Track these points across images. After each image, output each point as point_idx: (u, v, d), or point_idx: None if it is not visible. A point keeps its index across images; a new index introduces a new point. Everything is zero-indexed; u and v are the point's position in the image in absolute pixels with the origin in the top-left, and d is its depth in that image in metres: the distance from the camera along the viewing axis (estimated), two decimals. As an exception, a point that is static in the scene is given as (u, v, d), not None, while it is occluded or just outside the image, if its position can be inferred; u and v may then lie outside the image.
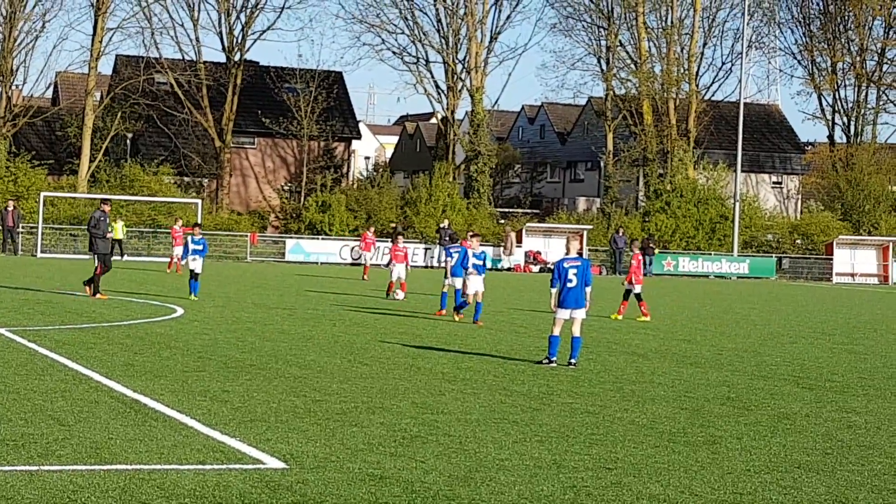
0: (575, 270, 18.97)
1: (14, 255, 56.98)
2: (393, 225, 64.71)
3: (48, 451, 11.01)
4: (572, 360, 19.13)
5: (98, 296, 29.92)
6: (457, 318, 27.82)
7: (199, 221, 32.77)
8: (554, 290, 19.05)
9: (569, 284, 18.95)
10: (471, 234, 29.78)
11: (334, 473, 10.57)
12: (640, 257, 32.69)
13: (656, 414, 14.83)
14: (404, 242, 39.33)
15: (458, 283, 28.60)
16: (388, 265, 39.93)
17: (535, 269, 64.98)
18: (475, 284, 27.53)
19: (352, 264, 61.39)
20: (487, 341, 23.28)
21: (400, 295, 34.36)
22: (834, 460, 12.24)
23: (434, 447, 12.02)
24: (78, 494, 9.47)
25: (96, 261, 30.71)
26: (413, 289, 38.39)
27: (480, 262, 27.87)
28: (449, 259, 29.57)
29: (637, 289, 31.27)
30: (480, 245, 29.31)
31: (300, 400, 14.64)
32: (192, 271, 31.75)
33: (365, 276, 47.12)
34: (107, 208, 31.60)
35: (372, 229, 55.56)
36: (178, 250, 44.56)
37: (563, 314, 18.97)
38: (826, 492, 10.72)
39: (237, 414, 13.47)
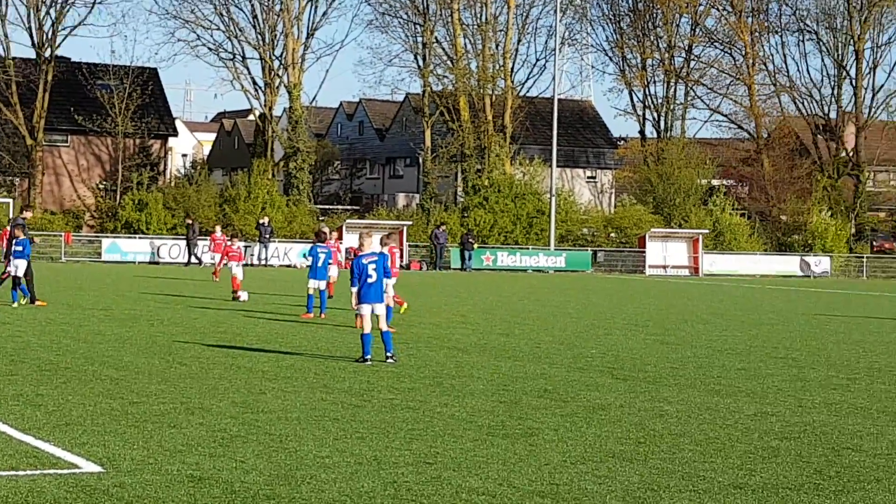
0: (374, 266, 19.13)
1: None
2: (189, 222, 62.98)
3: None
4: (388, 355, 19.21)
5: (38, 302, 29.63)
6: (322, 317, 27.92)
7: (21, 221, 30.93)
8: (354, 289, 19.18)
9: (369, 280, 19.07)
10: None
11: (152, 476, 10.47)
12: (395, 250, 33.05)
13: (475, 408, 15.02)
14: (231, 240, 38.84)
15: (323, 284, 28.36)
16: (222, 264, 39.16)
17: (356, 265, 64.92)
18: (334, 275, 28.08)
19: (168, 263, 60.65)
20: (308, 339, 23.25)
21: (244, 296, 33.78)
22: (646, 449, 12.57)
23: (254, 446, 11.98)
24: None
25: (8, 266, 29.81)
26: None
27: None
28: (310, 259, 28.65)
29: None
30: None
31: (117, 402, 14.43)
32: (14, 277, 29.19)
33: (216, 277, 44.46)
34: (27, 215, 32.16)
35: (219, 228, 52.39)
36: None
37: (366, 310, 19.08)
38: (639, 480, 11.01)
39: (52, 418, 13.21)
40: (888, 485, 10.98)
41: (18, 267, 29.21)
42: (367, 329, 19.12)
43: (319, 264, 28.36)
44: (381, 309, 19.18)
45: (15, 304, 28.76)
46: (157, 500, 9.66)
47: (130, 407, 14.13)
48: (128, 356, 19.41)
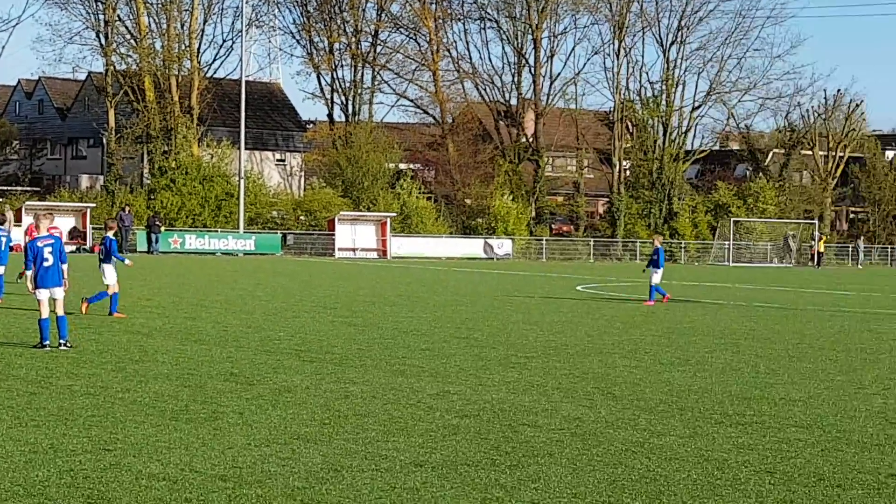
0: (50, 249, 18.72)
1: None
2: None
3: None
4: (62, 341, 18.73)
5: None
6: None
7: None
8: (29, 273, 18.70)
9: (45, 263, 18.64)
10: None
11: None
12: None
13: (159, 392, 14.84)
14: None
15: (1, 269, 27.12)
16: None
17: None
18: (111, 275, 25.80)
19: None
20: (-17, 325, 22.43)
21: None
22: (331, 430, 12.71)
23: (-76, 438, 11.51)
24: None
25: None
26: None
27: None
28: None
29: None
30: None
31: None
32: None
33: None
34: None
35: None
36: None
37: (44, 294, 18.64)
38: (323, 460, 11.13)
39: None
40: (560, 458, 11.45)
41: None
42: (45, 314, 18.64)
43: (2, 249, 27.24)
44: (59, 293, 18.72)
45: None
46: None
47: None
48: None
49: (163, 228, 66.98)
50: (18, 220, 64.10)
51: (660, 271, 34.87)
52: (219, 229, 72.43)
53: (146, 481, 10.07)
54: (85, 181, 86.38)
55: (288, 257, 69.54)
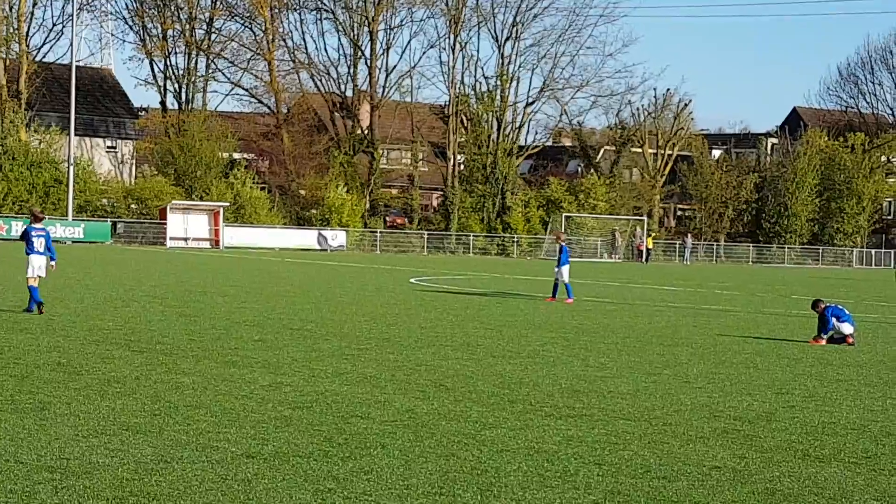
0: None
1: None
2: None
3: None
4: None
5: None
6: None
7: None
8: None
9: None
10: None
11: None
12: None
13: (-17, 383, 14.50)
14: None
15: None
16: None
17: None
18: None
19: None
20: None
21: None
22: (161, 421, 12.57)
23: None
24: None
25: None
26: None
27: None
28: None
29: None
30: None
31: None
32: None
33: None
34: None
35: None
36: None
37: None
38: (153, 452, 11.00)
39: None
40: (392, 450, 11.51)
41: None
42: None
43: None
44: None
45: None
46: None
47: None
48: None
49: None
50: None
51: (567, 268, 34.43)
52: (47, 216, 70.87)
53: (-30, 473, 9.84)
54: None
55: (118, 246, 68.38)
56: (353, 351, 19.68)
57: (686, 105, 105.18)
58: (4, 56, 78.34)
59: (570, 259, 35.64)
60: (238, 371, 16.64)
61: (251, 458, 10.88)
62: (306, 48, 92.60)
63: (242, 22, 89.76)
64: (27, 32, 79.85)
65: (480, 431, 12.63)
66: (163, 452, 11.00)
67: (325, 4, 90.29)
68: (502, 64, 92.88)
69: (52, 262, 24.25)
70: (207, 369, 16.67)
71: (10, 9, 78.87)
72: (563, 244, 35.73)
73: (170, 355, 18.06)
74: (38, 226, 24.22)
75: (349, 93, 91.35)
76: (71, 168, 71.65)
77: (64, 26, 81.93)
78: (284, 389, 15.08)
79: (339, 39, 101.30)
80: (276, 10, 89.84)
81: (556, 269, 34.75)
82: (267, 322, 24.24)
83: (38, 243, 23.89)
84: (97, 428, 12.00)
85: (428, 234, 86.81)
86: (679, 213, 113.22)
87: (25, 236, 24.00)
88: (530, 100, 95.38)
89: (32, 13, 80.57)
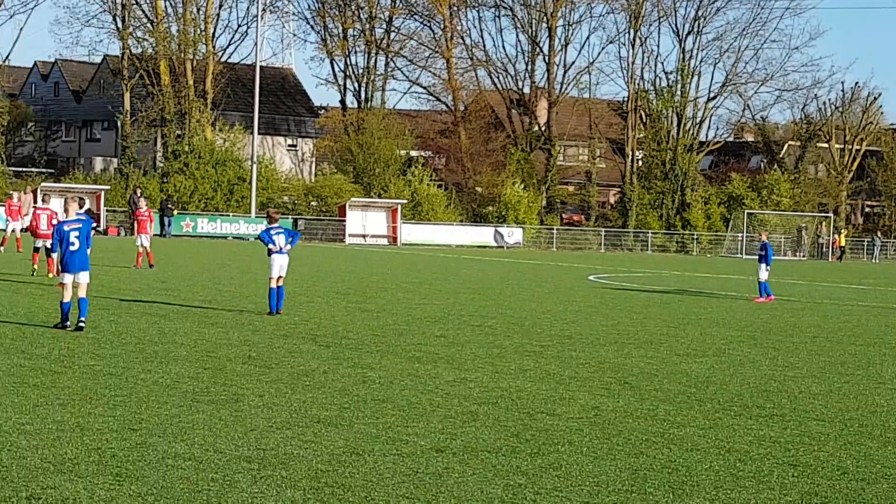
0: (77, 233, 18.56)
1: None
2: None
3: None
4: (81, 319, 18.58)
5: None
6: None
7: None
8: (56, 256, 18.72)
9: (71, 248, 18.54)
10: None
11: None
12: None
13: (179, 374, 14.91)
14: None
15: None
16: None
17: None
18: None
19: None
20: (4, 304, 22.48)
21: None
22: (351, 414, 12.76)
23: (-52, 415, 11.59)
24: None
25: None
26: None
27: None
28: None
29: (138, 240, 35.26)
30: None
31: None
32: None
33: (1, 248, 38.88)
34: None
35: (17, 195, 42.18)
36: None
37: (68, 278, 18.58)
38: (344, 444, 11.18)
39: None
40: (580, 447, 11.48)
41: None
42: (67, 298, 18.60)
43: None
44: (83, 278, 18.60)
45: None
46: None
47: None
48: None
49: (175, 212, 67.06)
50: (36, 201, 64.37)
51: (768, 267, 33.40)
52: (231, 213, 72.52)
53: (172, 461, 10.13)
54: (99, 163, 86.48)
55: (299, 242, 69.57)
56: (535, 348, 19.68)
57: (875, 99, 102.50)
58: (192, 57, 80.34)
59: (773, 257, 34.47)
60: (422, 366, 16.79)
61: (440, 453, 10.97)
62: (484, 46, 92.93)
63: (421, 20, 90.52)
64: (213, 34, 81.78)
65: (669, 430, 12.51)
66: (354, 445, 11.16)
67: (503, 1, 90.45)
68: (683, 59, 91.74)
69: (289, 246, 23.62)
70: (392, 364, 16.86)
71: (198, 10, 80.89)
72: (767, 241, 34.93)
73: (355, 350, 18.31)
74: (274, 226, 23.77)
75: (526, 89, 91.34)
76: (254, 166, 73.15)
77: (248, 27, 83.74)
78: (469, 385, 15.16)
79: (517, 36, 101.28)
80: (455, 8, 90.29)
81: (765, 267, 33.37)
82: (448, 318, 24.39)
83: (279, 240, 23.26)
84: (290, 420, 12.24)
85: (605, 232, 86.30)
86: (867, 209, 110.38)
87: (266, 237, 23.26)
88: (712, 95, 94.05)
89: (219, 15, 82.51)
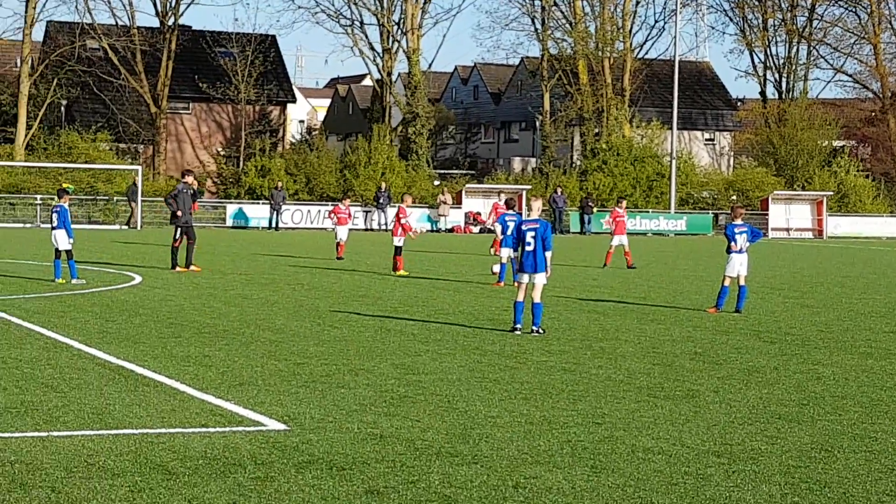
0: (533, 233, 18.36)
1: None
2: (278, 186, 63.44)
3: (52, 418, 11.15)
4: (535, 327, 18.52)
5: (178, 269, 29.48)
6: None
7: (65, 187, 28.07)
8: (507, 252, 18.97)
9: (527, 248, 18.55)
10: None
11: (335, 433, 10.78)
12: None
13: (631, 370, 15.16)
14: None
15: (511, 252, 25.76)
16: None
17: (476, 229, 65.31)
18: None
19: (290, 229, 61.61)
20: (449, 303, 23.52)
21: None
22: (811, 411, 12.61)
23: (424, 406, 12.26)
24: (95, 458, 9.62)
25: (177, 233, 29.80)
26: (357, 250, 38.45)
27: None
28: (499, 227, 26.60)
29: (615, 240, 36.04)
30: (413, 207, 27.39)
31: (282, 364, 14.82)
32: (56, 249, 25.85)
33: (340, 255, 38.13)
34: (189, 180, 30.65)
35: (347, 202, 40.55)
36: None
37: (524, 278, 18.69)
38: (811, 440, 11.08)
39: (225, 378, 13.62)
40: None
41: (58, 239, 25.84)
42: (521, 297, 18.55)
43: (508, 232, 25.69)
44: (539, 279, 18.39)
45: (71, 281, 25.42)
46: (346, 456, 9.96)
47: (296, 368, 14.51)
48: (279, 319, 19.84)
49: (595, 209, 67.91)
50: (458, 201, 66.88)
51: None
52: (650, 210, 72.75)
53: (642, 454, 10.34)
54: (517, 164, 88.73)
55: (720, 237, 68.86)
56: None
57: None
58: (609, 55, 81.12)
59: None
60: (876, 363, 16.36)
61: (913, 451, 10.69)
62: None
63: (846, 6, 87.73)
64: (630, 31, 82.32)
65: None
66: (821, 441, 11.04)
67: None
68: None
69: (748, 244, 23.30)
70: (844, 361, 16.51)
71: (616, 8, 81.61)
72: None
73: (802, 346, 18.04)
74: (737, 223, 23.35)
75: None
76: (673, 162, 73.06)
77: (665, 22, 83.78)
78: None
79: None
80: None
81: None
82: (894, 313, 23.60)
83: (741, 240, 22.99)
84: (750, 416, 12.23)
85: None
86: None
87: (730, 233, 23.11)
88: None
89: (635, 12, 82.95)
